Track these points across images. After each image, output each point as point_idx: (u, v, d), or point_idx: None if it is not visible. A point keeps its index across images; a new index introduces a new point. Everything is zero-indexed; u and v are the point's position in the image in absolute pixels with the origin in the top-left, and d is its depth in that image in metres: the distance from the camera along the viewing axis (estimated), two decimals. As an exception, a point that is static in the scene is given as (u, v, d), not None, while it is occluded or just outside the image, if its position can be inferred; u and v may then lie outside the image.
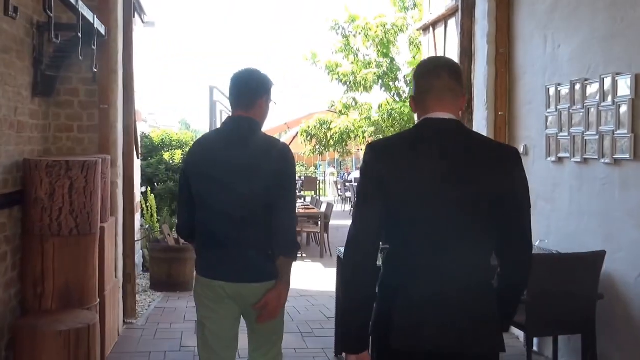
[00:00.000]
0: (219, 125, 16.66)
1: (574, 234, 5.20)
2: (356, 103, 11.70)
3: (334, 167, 27.03)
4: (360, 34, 11.32)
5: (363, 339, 2.25)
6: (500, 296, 2.31)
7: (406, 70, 11.70)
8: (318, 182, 20.43)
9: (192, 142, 3.82)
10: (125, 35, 5.38)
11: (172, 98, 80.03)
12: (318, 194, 18.75)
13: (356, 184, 3.52)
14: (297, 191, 3.45)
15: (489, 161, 2.26)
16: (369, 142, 11.05)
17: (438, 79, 2.30)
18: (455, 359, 2.22)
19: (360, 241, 2.24)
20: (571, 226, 5.22)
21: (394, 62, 11.63)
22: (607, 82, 4.82)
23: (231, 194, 2.97)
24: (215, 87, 14.63)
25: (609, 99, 4.82)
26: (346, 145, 12.44)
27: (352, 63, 11.39)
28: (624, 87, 4.65)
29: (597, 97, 4.96)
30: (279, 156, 3.03)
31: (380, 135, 11.40)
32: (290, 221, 3.04)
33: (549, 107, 5.67)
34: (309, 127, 11.86)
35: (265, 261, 3.01)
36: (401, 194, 2.20)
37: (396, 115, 11.22)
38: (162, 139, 11.07)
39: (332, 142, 11.75)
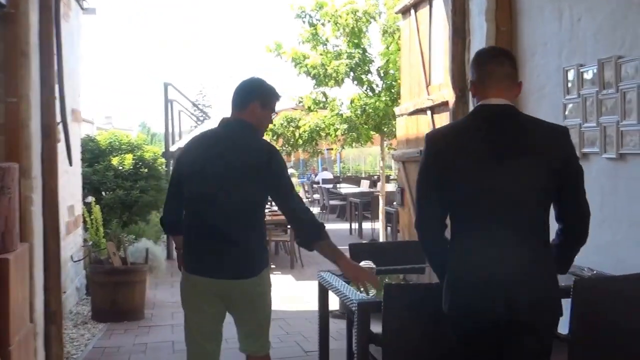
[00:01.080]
0: (176, 127, 15.55)
1: (609, 247, 4.26)
2: (326, 98, 10.66)
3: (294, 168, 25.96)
4: (329, 22, 10.27)
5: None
6: (559, 247, 2.68)
7: (379, 62, 10.66)
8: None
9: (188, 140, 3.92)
10: (43, 9, 4.23)
11: (129, 99, 77.55)
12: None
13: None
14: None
15: (543, 140, 2.53)
16: (339, 139, 10.00)
17: (500, 66, 2.57)
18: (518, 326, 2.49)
19: (426, 227, 2.66)
20: (605, 236, 4.25)
21: (366, 53, 10.62)
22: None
23: (220, 192, 3.13)
24: (171, 84, 13.58)
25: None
26: (316, 144, 11.42)
27: (321, 54, 10.35)
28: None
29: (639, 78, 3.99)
30: (267, 154, 3.18)
31: (354, 134, 10.39)
32: (302, 206, 3.24)
33: (568, 94, 4.72)
34: (275, 125, 10.81)
35: (250, 258, 3.21)
36: (464, 177, 2.49)
37: (370, 110, 10.23)
38: (110, 143, 9.92)
39: (300, 142, 10.70)
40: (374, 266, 4.06)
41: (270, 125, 11.69)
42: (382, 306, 3.38)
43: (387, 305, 3.36)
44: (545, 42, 4.99)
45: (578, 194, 2.64)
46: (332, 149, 13.31)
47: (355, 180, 24.79)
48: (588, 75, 4.51)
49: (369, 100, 10.43)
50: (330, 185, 19.62)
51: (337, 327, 5.73)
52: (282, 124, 11.15)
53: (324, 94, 10.96)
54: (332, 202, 17.99)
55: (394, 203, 11.78)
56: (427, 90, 6.96)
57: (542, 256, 2.54)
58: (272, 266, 9.78)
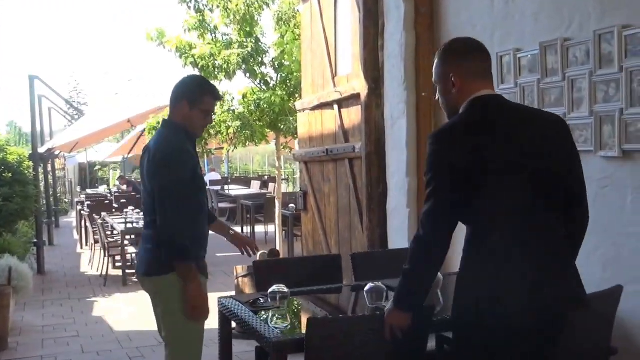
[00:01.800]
0: (46, 126, 14.17)
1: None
2: (216, 92, 9.79)
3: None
4: (217, 7, 9.43)
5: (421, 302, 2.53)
6: None
7: (273, 53, 9.93)
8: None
9: None
10: None
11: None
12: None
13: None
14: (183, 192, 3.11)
15: (549, 131, 2.42)
16: (231, 138, 9.18)
17: (487, 59, 2.50)
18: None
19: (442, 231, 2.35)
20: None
21: (260, 43, 9.86)
22: (610, 39, 3.38)
23: (143, 193, 3.30)
24: (38, 78, 12.26)
25: (614, 64, 3.37)
26: (206, 144, 10.53)
27: (209, 44, 9.49)
28: (637, 46, 3.27)
29: (591, 64, 3.50)
30: (161, 158, 3.12)
31: (248, 131, 9.60)
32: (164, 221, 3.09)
33: (503, 82, 4.22)
34: (157, 123, 9.83)
35: (155, 256, 3.15)
36: (485, 175, 2.29)
37: (265, 106, 9.47)
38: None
39: (188, 141, 9.74)
40: (287, 290, 3.37)
41: (152, 123, 10.84)
42: (305, 346, 2.68)
43: (311, 345, 2.67)
44: (473, 23, 4.46)
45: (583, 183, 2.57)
46: (221, 149, 12.39)
47: (245, 181, 24.03)
48: (527, 62, 4.01)
49: (264, 94, 9.68)
50: (219, 187, 18.71)
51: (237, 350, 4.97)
52: (166, 121, 10.20)
53: (214, 88, 10.10)
54: (221, 205, 17.10)
55: (290, 206, 11.19)
56: (333, 82, 6.32)
57: (569, 261, 2.47)
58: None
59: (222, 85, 9.76)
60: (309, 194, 6.94)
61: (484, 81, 2.45)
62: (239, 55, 9.25)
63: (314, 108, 6.79)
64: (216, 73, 9.41)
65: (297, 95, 9.62)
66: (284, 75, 9.77)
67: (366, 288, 3.39)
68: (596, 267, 3.49)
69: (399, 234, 5.12)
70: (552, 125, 2.45)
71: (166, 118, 3.36)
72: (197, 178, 3.20)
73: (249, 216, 14.09)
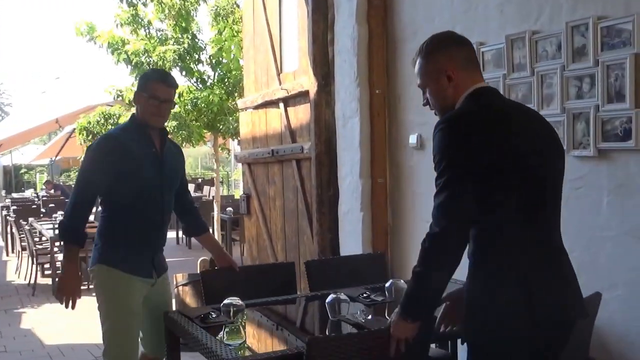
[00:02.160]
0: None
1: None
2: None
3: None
4: (151, 1, 9.00)
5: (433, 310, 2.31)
6: None
7: (210, 50, 9.54)
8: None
9: None
10: None
11: None
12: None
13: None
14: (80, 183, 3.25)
15: (547, 129, 2.31)
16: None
17: (472, 48, 2.35)
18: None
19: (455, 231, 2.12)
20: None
21: (196, 40, 9.46)
22: (584, 31, 3.19)
23: None
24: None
25: (589, 57, 3.18)
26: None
27: (143, 39, 9.03)
28: (614, 38, 3.11)
29: (563, 58, 3.31)
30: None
31: (184, 132, 9.17)
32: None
33: (512, 71, 3.97)
34: (89, 123, 9.33)
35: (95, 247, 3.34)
36: (500, 171, 2.11)
37: (202, 105, 9.07)
38: None
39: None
40: (242, 303, 3.06)
41: (83, 123, 10.25)
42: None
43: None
44: (431, 17, 4.23)
45: None
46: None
47: (178, 184, 23.43)
48: (491, 56, 3.80)
49: (201, 93, 9.28)
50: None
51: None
52: (98, 121, 9.67)
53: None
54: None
55: (228, 209, 10.86)
56: (278, 79, 6.01)
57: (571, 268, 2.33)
58: (90, 287, 8.38)
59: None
60: (253, 197, 6.61)
61: (477, 71, 2.31)
62: (174, 51, 8.83)
63: (257, 107, 6.46)
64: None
65: (236, 94, 9.27)
66: (222, 73, 9.39)
67: (328, 300, 3.11)
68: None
69: (352, 238, 4.86)
70: (545, 123, 2.33)
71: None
72: (121, 171, 3.16)
73: (184, 220, 13.56)
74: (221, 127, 9.36)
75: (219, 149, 10.31)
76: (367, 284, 3.85)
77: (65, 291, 3.23)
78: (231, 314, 3.02)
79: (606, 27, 3.09)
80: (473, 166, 2.08)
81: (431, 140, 3.80)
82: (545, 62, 3.43)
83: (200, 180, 23.64)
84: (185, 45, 9.07)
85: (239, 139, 9.47)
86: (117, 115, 9.58)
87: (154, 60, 8.83)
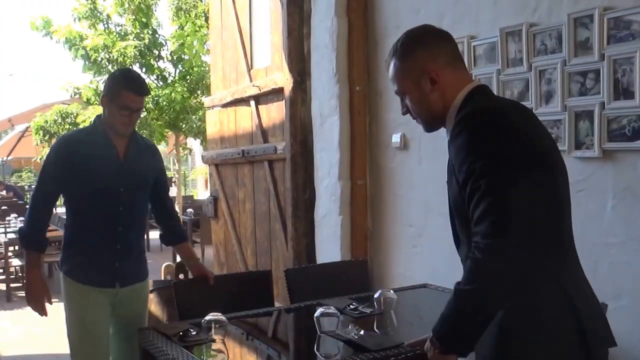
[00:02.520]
0: None
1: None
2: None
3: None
4: (111, -5, 8.63)
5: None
6: None
7: (171, 46, 9.20)
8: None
9: None
10: None
11: None
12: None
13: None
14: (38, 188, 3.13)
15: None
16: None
17: (455, 44, 2.01)
18: None
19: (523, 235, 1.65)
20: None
21: (157, 35, 9.11)
22: (588, 24, 3.04)
23: None
24: None
25: (593, 52, 3.00)
26: (98, 144, 9.62)
27: (102, 34, 8.65)
28: (622, 30, 2.92)
29: (564, 52, 3.12)
30: None
31: (146, 131, 8.82)
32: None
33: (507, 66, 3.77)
34: (46, 122, 8.89)
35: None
36: (541, 169, 1.76)
37: (164, 103, 8.73)
38: None
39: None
40: (225, 319, 2.77)
41: (39, 122, 9.81)
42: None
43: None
44: (417, 8, 4.02)
45: None
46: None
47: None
48: (483, 50, 3.59)
49: (162, 91, 8.93)
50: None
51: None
52: (55, 120, 9.24)
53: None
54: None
55: (188, 210, 10.59)
56: (249, 76, 5.73)
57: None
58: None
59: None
60: (220, 200, 6.31)
61: (465, 70, 2.00)
62: (135, 47, 8.48)
63: (226, 105, 6.17)
64: (110, 67, 8.60)
65: (199, 92, 8.98)
66: (184, 70, 9.06)
67: (317, 313, 2.84)
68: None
69: (330, 244, 4.61)
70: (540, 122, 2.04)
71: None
72: (78, 174, 3.02)
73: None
74: (184, 125, 9.03)
75: (181, 148, 9.97)
76: (350, 293, 3.61)
77: (32, 298, 3.13)
78: (213, 330, 2.73)
79: (613, 18, 2.91)
80: (529, 158, 1.73)
81: (415, 141, 3.59)
82: (544, 56, 3.23)
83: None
84: (146, 41, 8.73)
85: (201, 138, 9.21)
86: (75, 114, 9.18)
87: (113, 57, 8.46)
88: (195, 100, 8.92)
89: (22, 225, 3.22)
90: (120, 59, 8.43)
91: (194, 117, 8.80)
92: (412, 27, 2.08)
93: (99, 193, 3.04)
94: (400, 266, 4.30)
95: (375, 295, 3.20)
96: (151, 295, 5.79)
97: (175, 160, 9.62)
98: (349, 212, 4.51)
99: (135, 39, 8.75)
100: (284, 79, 4.93)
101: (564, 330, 1.76)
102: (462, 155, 1.77)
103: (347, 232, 4.50)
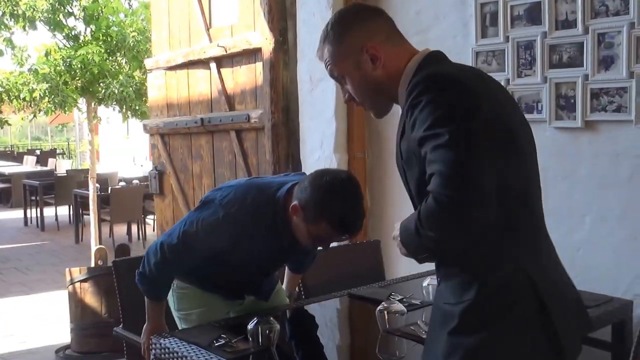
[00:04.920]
0: None
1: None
2: (13, 47, 8.14)
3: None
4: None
5: None
6: None
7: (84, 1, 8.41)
8: None
9: None
10: None
11: None
12: None
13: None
14: None
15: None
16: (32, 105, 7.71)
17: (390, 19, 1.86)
18: None
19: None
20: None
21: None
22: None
23: None
24: None
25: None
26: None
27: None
28: None
29: (632, 13, 2.96)
30: None
31: (55, 98, 8.06)
32: None
33: (485, 37, 3.56)
34: None
35: None
36: (510, 140, 1.63)
37: (78, 65, 7.99)
38: None
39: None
40: (277, 324, 2.39)
41: None
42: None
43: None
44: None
45: None
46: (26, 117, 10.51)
47: (12, 156, 21.51)
48: (523, 11, 3.39)
49: (76, 51, 8.17)
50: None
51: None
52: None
53: (9, 42, 8.37)
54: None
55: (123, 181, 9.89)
56: (208, 35, 5.24)
57: None
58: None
59: (18, 37, 8.15)
60: (168, 174, 5.83)
61: (406, 42, 1.81)
62: (48, 1, 7.68)
63: (174, 67, 5.66)
64: (16, 21, 7.79)
65: (120, 53, 8.31)
66: (102, 30, 8.32)
67: (380, 308, 2.54)
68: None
69: (320, 223, 4.29)
70: (505, 89, 1.92)
71: None
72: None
73: (34, 198, 12.35)
74: (102, 91, 8.32)
75: (93, 118, 9.20)
76: (367, 278, 3.41)
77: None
78: (262, 338, 2.35)
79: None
80: (492, 129, 1.55)
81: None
82: (604, 19, 3.05)
83: (38, 152, 21.80)
84: (57, -5, 7.94)
85: (124, 106, 8.55)
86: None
87: (21, 10, 7.64)
88: (113, 63, 8.26)
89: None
90: (29, 13, 7.63)
91: (115, 81, 8.13)
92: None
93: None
94: (404, 247, 4.05)
95: (424, 284, 2.95)
96: (86, 285, 5.28)
97: (90, 131, 8.85)
98: (345, 188, 4.21)
99: (44, -7, 7.92)
100: (263, 39, 4.53)
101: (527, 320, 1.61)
102: (424, 125, 1.55)
103: (344, 210, 4.20)
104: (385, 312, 2.53)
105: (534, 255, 1.66)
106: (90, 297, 5.26)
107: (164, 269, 2.58)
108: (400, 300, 2.90)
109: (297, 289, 3.28)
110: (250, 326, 2.30)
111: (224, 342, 2.37)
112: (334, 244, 3.64)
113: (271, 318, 2.34)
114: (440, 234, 1.52)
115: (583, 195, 3.21)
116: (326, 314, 3.01)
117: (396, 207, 4.09)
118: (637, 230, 3.06)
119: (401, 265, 3.95)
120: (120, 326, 3.00)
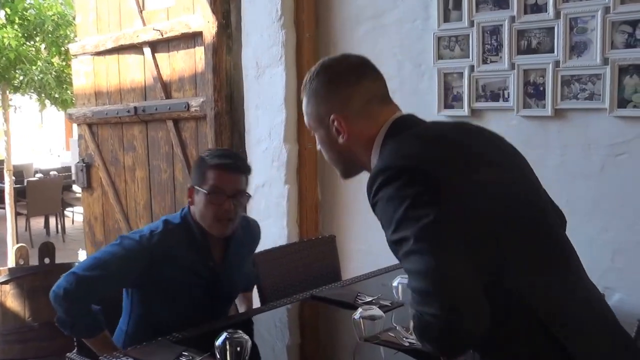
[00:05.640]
0: None
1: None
2: None
3: None
4: None
5: None
6: None
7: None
8: None
9: None
10: None
11: None
12: None
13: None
14: None
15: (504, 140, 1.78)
16: None
17: (379, 77, 1.72)
18: None
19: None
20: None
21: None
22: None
23: None
24: None
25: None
26: None
27: None
28: None
29: (609, -4, 2.87)
30: None
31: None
32: None
33: (444, 20, 3.43)
34: None
35: None
36: (494, 209, 1.48)
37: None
38: None
39: None
40: (246, 337, 2.14)
41: None
42: None
43: None
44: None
45: None
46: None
47: None
48: (487, -7, 3.22)
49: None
50: None
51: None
52: None
53: None
54: None
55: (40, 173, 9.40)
56: (141, 18, 4.91)
57: None
58: None
59: None
60: (97, 167, 5.46)
61: (388, 107, 1.69)
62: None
63: (103, 52, 5.29)
64: None
65: (38, 38, 7.83)
66: (18, 12, 7.81)
67: (356, 315, 2.34)
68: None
69: (270, 218, 4.06)
70: (498, 136, 1.75)
71: None
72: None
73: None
74: (18, 78, 7.81)
75: (8, 107, 8.64)
76: (325, 277, 3.26)
77: None
78: (230, 355, 2.09)
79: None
80: (459, 215, 1.41)
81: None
82: (577, 2, 2.95)
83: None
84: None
85: (42, 94, 8.08)
86: None
87: None
88: (32, 49, 7.77)
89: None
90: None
91: (33, 68, 7.63)
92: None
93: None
94: (358, 241, 3.89)
95: (394, 283, 2.76)
96: (7, 287, 4.91)
97: (4, 121, 8.30)
98: (296, 181, 4.00)
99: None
100: (205, 22, 4.25)
101: None
102: (390, 229, 1.45)
103: (294, 203, 4.00)
104: (362, 319, 2.33)
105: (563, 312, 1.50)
106: (12, 301, 4.90)
107: (79, 296, 2.40)
108: (370, 302, 2.72)
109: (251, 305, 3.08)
110: (218, 342, 2.05)
111: (186, 360, 2.11)
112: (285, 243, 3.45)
113: (240, 332, 2.10)
114: (441, 347, 1.42)
115: (552, 186, 3.09)
116: (291, 318, 2.80)
117: (348, 200, 3.91)
118: (607, 223, 2.98)
119: (358, 260, 3.79)
120: (74, 351, 2.64)
